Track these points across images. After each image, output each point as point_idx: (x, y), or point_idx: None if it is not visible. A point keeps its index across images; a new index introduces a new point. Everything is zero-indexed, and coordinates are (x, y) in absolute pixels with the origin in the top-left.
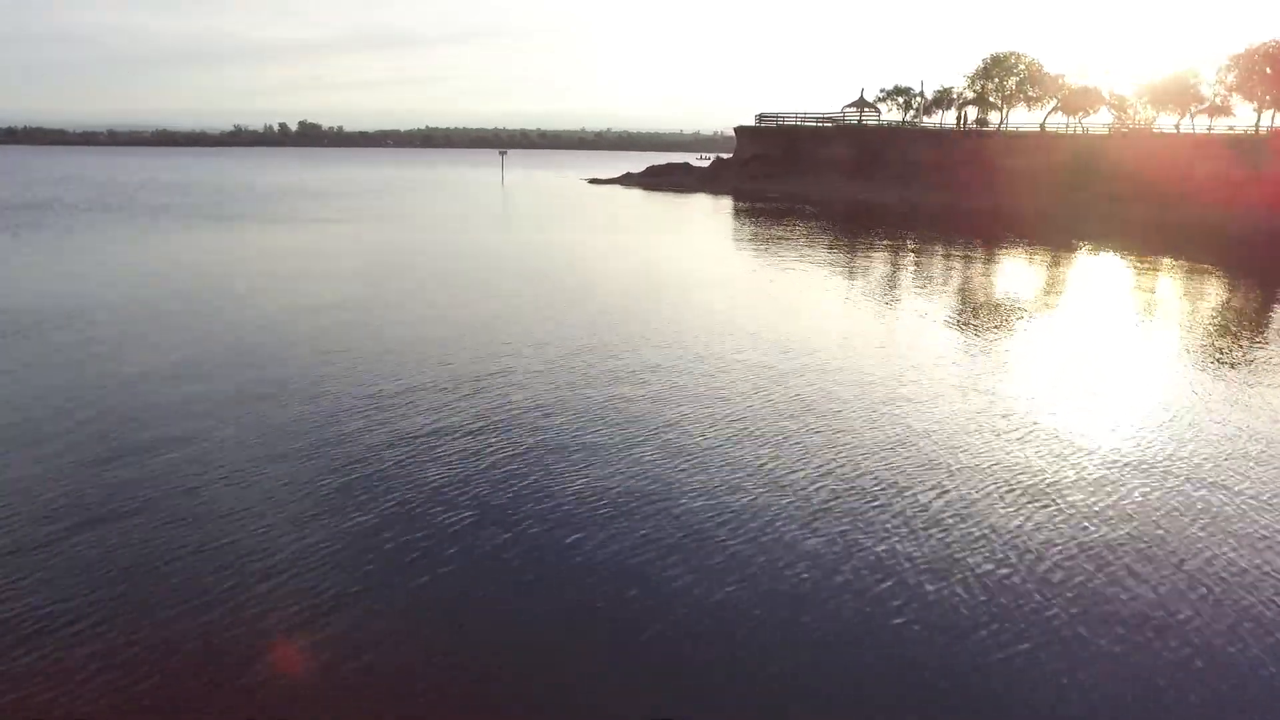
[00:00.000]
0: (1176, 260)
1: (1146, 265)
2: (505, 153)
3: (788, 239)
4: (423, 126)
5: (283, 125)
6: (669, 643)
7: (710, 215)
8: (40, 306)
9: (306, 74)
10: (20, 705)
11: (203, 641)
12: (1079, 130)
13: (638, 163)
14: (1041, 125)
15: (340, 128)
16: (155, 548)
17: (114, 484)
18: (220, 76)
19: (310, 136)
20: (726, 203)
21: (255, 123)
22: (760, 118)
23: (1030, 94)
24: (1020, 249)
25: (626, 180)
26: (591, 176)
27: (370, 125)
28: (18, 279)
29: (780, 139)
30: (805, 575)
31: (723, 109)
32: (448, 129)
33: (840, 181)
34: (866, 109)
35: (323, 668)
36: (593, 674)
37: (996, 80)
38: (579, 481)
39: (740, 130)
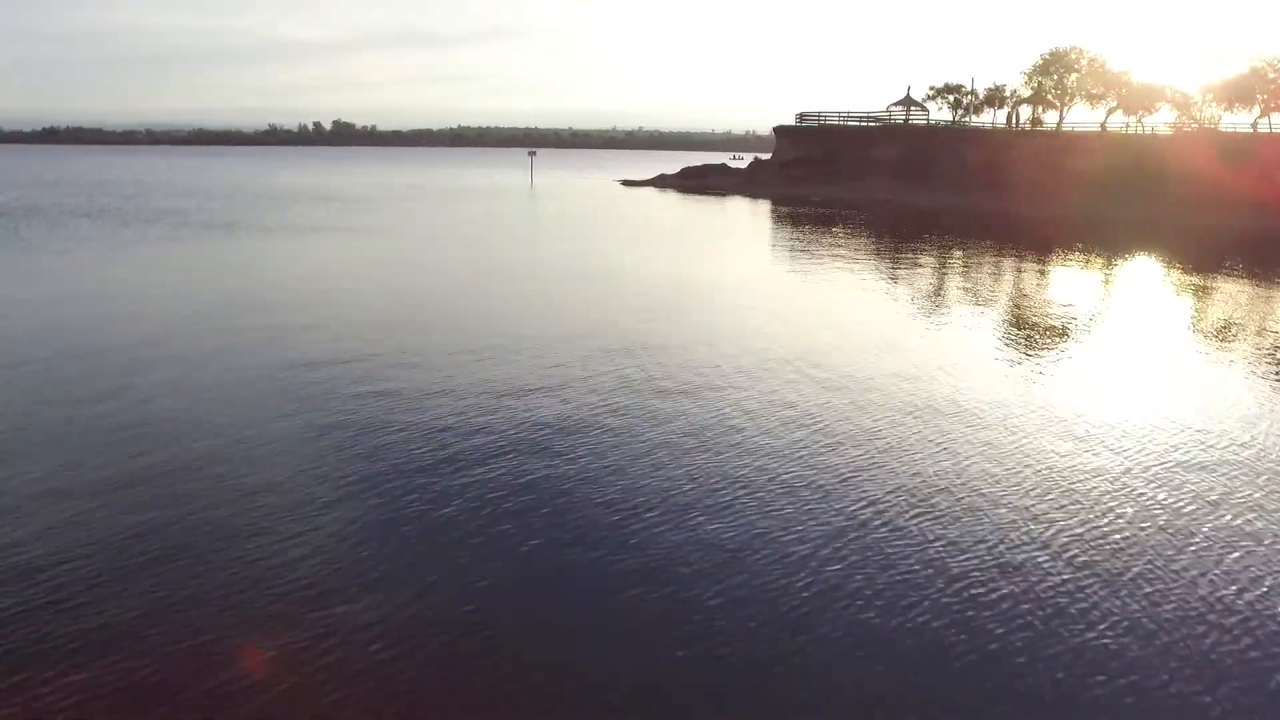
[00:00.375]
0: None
1: (1231, 282)
2: (534, 153)
3: (838, 250)
4: (455, 126)
5: (317, 125)
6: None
7: (751, 222)
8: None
9: (342, 73)
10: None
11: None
12: (1138, 130)
13: (670, 163)
14: (1102, 125)
15: (374, 127)
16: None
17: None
18: (256, 75)
19: (344, 136)
20: (767, 208)
21: (290, 122)
22: (801, 117)
23: (1093, 91)
24: (1090, 262)
25: (661, 182)
26: (624, 178)
27: (404, 124)
28: None
29: (822, 140)
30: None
31: (756, 108)
32: (480, 128)
33: (887, 185)
34: (914, 108)
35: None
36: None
37: (1056, 76)
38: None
39: (779, 130)
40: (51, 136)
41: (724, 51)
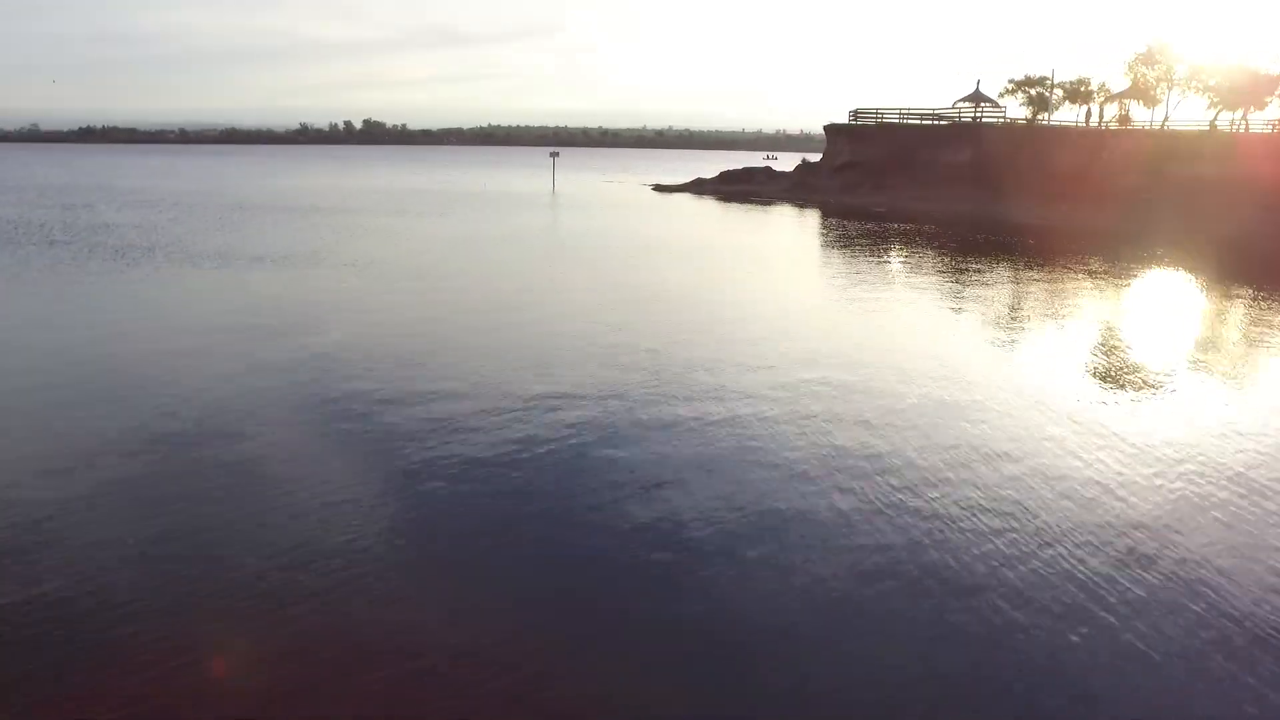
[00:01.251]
0: None
1: None
2: (557, 154)
3: (911, 274)
4: (484, 125)
5: (347, 124)
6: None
7: (806, 237)
8: None
9: (373, 72)
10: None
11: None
12: (1243, 128)
13: (703, 164)
14: (1212, 123)
15: (404, 126)
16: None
17: None
18: (289, 75)
19: (374, 135)
20: (820, 219)
21: (321, 120)
22: (855, 115)
23: (1204, 85)
24: (1227, 297)
25: (698, 187)
26: (656, 182)
27: (434, 123)
28: None
29: (881, 141)
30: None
31: (792, 106)
32: (509, 127)
33: (959, 194)
34: (985, 105)
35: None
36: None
37: (1161, 68)
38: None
39: (832, 130)
40: (88, 136)
41: (756, 48)
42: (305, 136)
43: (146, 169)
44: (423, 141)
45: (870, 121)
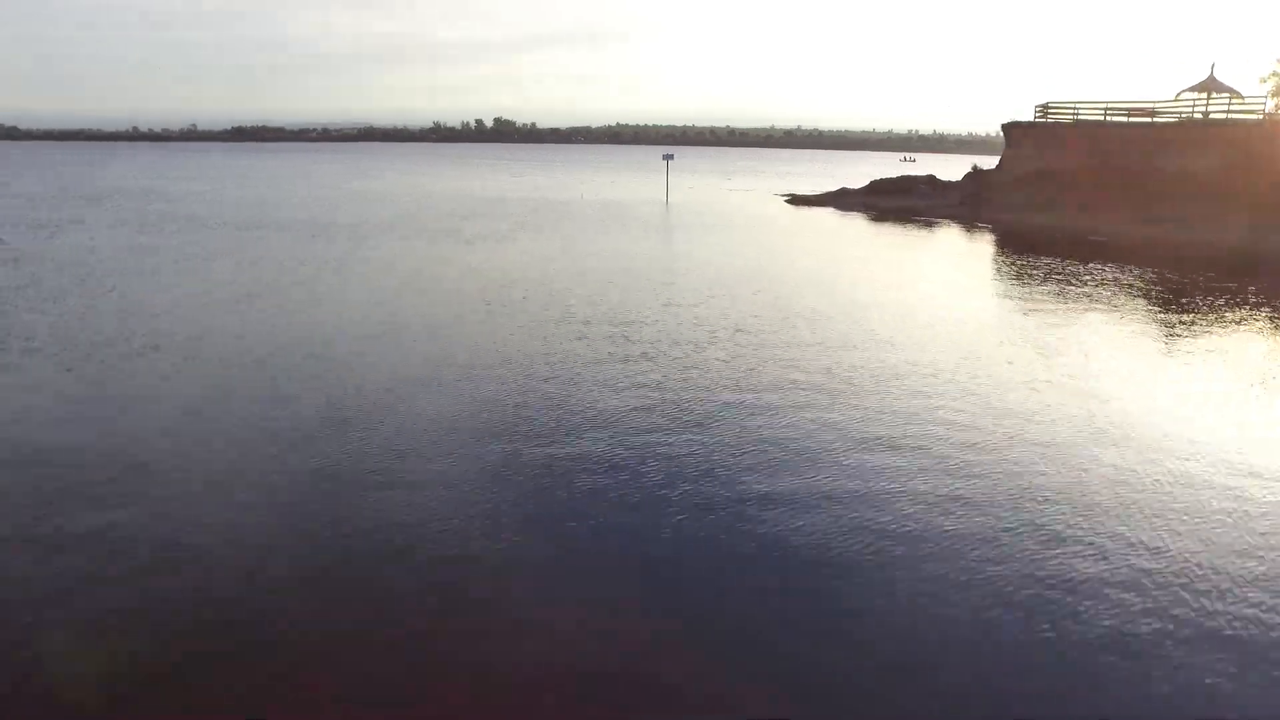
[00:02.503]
0: None
1: None
2: (671, 157)
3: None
4: (612, 124)
5: (479, 122)
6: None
7: (999, 278)
8: None
9: (506, 71)
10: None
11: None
12: None
13: (835, 165)
14: None
15: (534, 124)
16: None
17: None
18: (422, 75)
19: (504, 133)
20: (1015, 253)
21: (454, 119)
22: (1045, 110)
23: None
24: None
25: (842, 200)
26: (790, 191)
27: (563, 122)
28: None
29: (1079, 144)
30: None
31: (930, 104)
32: (635, 126)
33: (1205, 216)
34: (1221, 97)
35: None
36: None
37: None
38: None
39: (1013, 130)
40: (238, 135)
41: (889, 40)
42: (438, 135)
43: (234, 170)
44: (551, 140)
45: (1064, 118)
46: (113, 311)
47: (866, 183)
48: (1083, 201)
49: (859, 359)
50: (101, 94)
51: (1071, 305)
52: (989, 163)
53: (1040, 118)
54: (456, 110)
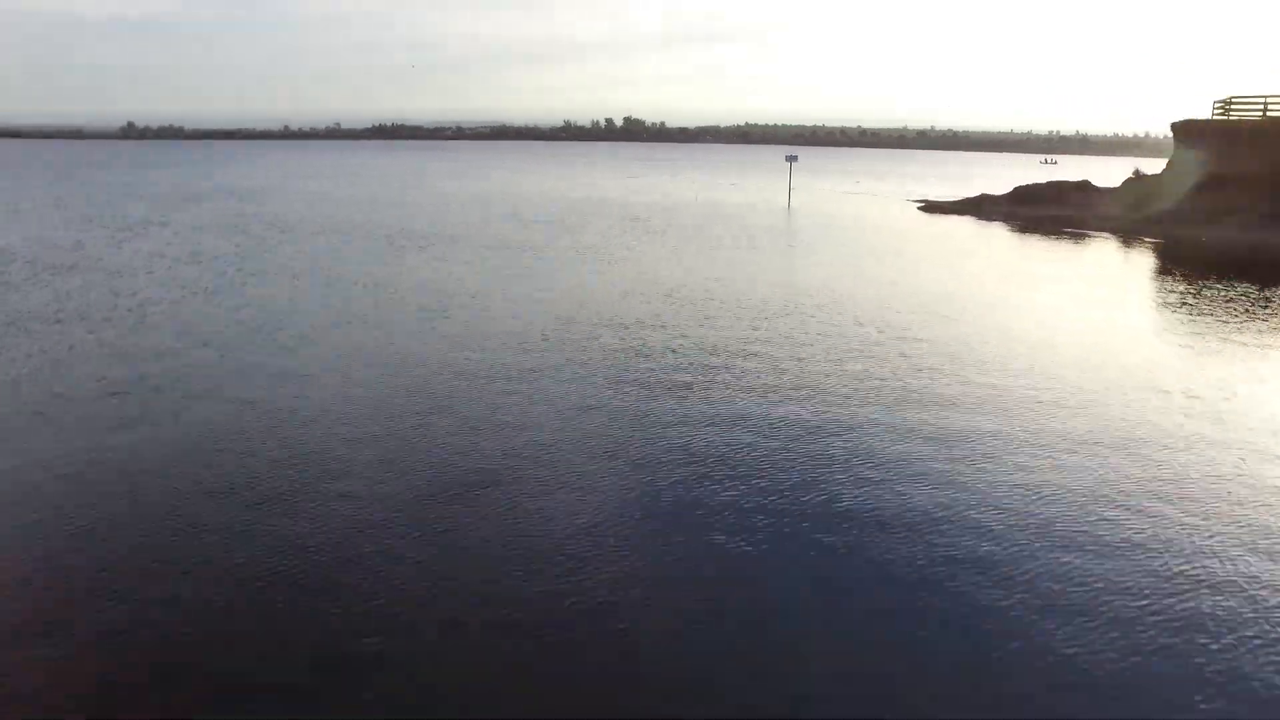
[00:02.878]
0: None
1: None
2: (794, 159)
3: None
4: (742, 124)
5: (609, 121)
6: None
7: (1168, 305)
8: None
9: (635, 70)
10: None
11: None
12: None
13: (966, 167)
14: None
15: (662, 123)
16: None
17: None
18: (555, 75)
19: (633, 132)
20: (1172, 264)
21: (584, 119)
22: (1227, 105)
23: None
24: None
25: (981, 208)
26: (922, 197)
27: (690, 121)
28: None
29: (1272, 143)
30: None
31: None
32: (764, 125)
33: None
34: None
35: None
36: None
37: None
38: None
39: (1185, 129)
40: (378, 133)
41: (1031, 35)
42: (569, 133)
43: (352, 166)
44: (680, 139)
45: (1250, 114)
46: (94, 350)
47: (1009, 189)
48: (1272, 212)
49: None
50: (262, 94)
51: (1262, 341)
52: (1148, 166)
53: (1220, 114)
54: (590, 109)
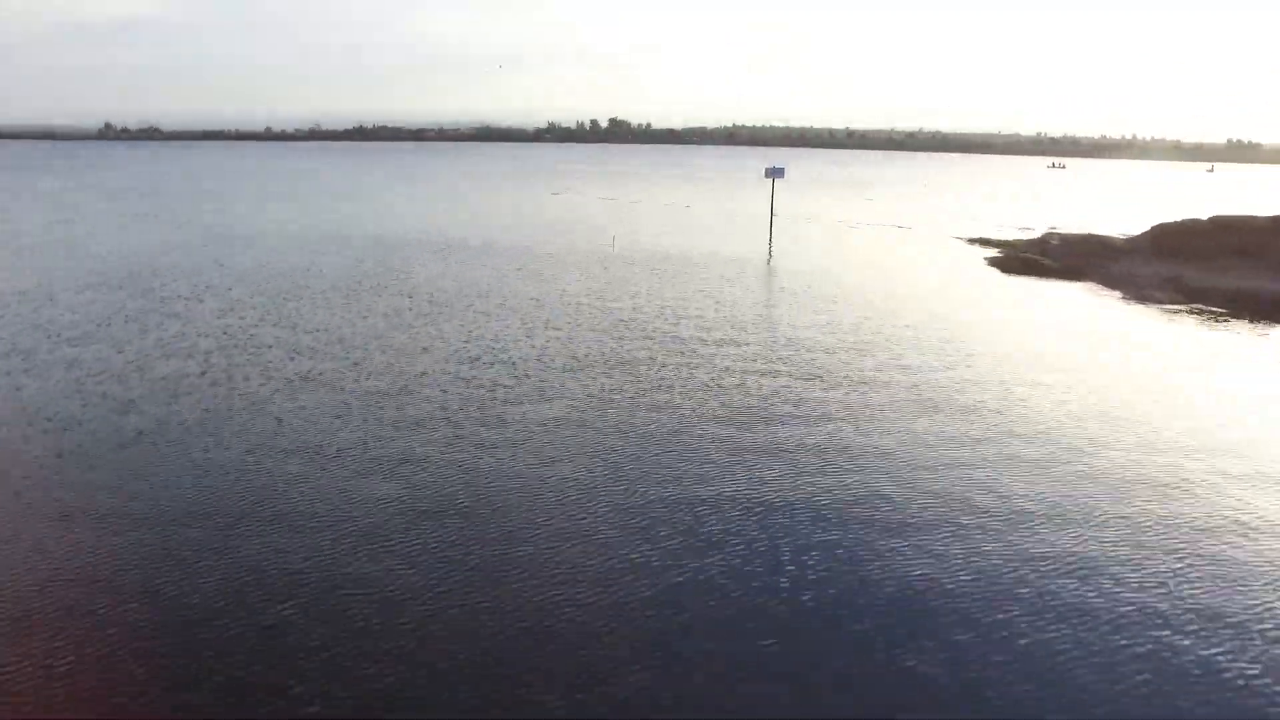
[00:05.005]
0: None
1: None
2: (780, 173)
3: None
4: (729, 125)
5: (593, 122)
6: None
7: None
8: None
9: (621, 72)
10: None
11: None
12: None
13: (981, 173)
14: None
15: (648, 125)
16: None
17: None
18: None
19: (618, 134)
20: None
21: (569, 120)
22: None
23: None
24: None
25: (1104, 265)
26: (978, 236)
27: (680, 123)
28: None
29: None
30: None
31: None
32: (752, 127)
33: None
34: None
35: None
36: None
37: None
38: None
39: None
40: (359, 134)
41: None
42: (552, 134)
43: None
44: (667, 140)
45: None
46: None
47: (1148, 228)
48: None
49: None
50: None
51: None
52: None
53: None
54: (576, 110)
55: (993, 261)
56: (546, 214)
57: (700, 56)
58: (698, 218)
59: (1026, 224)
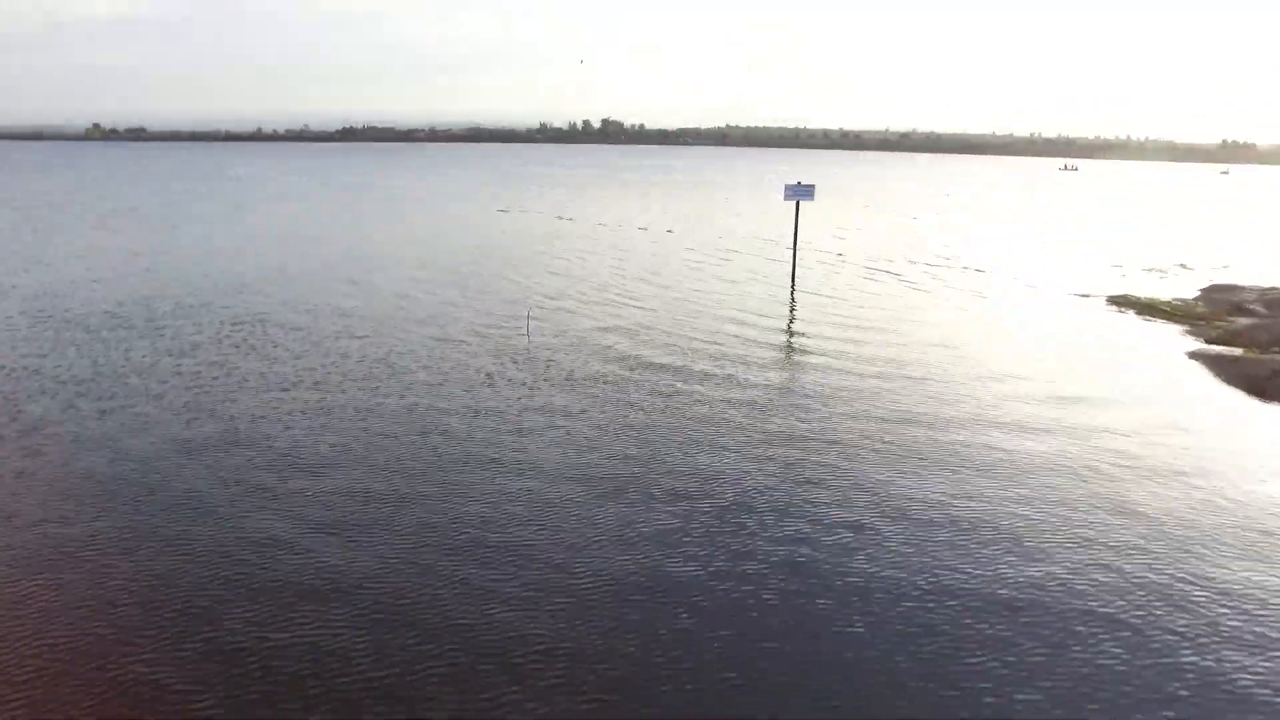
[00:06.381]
0: None
1: None
2: (807, 194)
3: None
4: (724, 125)
5: (586, 123)
6: None
7: None
8: None
9: (611, 74)
10: None
11: None
12: None
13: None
14: None
15: (641, 125)
16: None
17: None
18: (530, 78)
19: (611, 134)
20: None
21: (561, 120)
22: None
23: None
24: None
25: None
26: (1122, 294)
27: (673, 124)
28: None
29: None
30: None
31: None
32: (746, 127)
33: None
34: None
35: None
36: None
37: None
38: None
39: None
40: (350, 135)
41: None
42: (544, 135)
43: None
44: (660, 141)
45: None
46: None
47: None
48: None
49: None
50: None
51: None
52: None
53: None
54: (569, 110)
55: (1195, 355)
56: (463, 254)
57: (700, 57)
58: (677, 254)
59: (1152, 261)
